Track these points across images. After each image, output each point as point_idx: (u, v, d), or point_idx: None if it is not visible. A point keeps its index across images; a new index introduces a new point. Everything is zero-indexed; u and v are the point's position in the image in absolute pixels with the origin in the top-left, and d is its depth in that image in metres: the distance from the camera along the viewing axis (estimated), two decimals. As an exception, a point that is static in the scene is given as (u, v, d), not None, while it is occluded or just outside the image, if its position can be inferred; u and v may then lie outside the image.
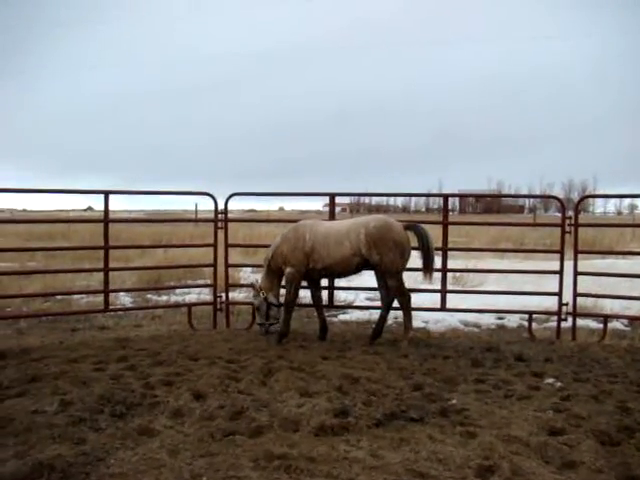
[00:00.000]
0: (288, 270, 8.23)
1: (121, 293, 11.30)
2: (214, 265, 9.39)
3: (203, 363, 6.93)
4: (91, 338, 8.42)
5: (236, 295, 11.84)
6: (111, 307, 9.33)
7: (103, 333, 8.91)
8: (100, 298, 9.66)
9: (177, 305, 10.62)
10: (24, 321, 9.46)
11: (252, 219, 25.26)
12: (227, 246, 9.39)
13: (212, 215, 9.35)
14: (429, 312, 9.63)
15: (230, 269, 9.74)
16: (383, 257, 7.92)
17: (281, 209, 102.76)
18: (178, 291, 12.10)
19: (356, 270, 8.32)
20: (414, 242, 8.23)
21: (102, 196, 8.59)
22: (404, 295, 8.20)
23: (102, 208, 8.70)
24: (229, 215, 9.51)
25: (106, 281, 8.84)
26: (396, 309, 8.44)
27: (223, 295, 9.48)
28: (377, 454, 4.48)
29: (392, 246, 7.94)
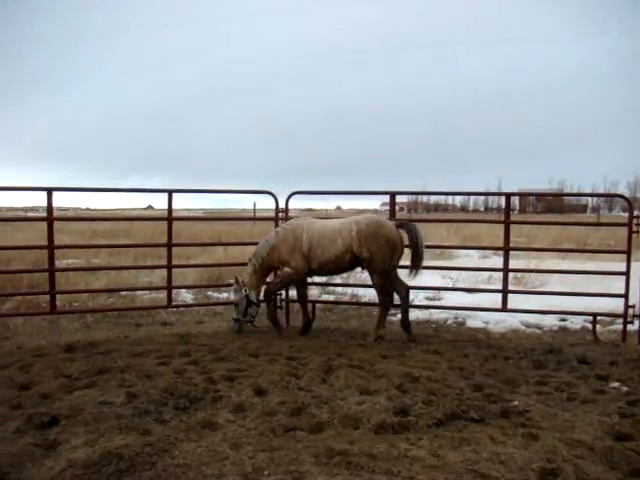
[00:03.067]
0: (287, 270, 8.34)
1: (182, 290, 11.51)
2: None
3: (264, 360, 7.02)
4: (155, 333, 8.61)
5: (295, 293, 11.89)
6: (174, 303, 9.52)
7: (166, 328, 9.10)
8: (163, 294, 9.88)
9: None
10: (90, 316, 9.74)
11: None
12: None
13: (270, 214, 9.43)
14: (490, 312, 9.49)
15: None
16: (373, 254, 8.02)
17: (338, 208, 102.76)
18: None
19: (349, 268, 8.50)
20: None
21: (161, 195, 8.81)
22: (386, 293, 8.37)
23: (161, 207, 8.91)
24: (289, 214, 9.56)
25: (169, 278, 9.03)
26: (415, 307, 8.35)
27: (283, 292, 9.56)
28: (437, 453, 4.46)
29: (383, 244, 8.04)
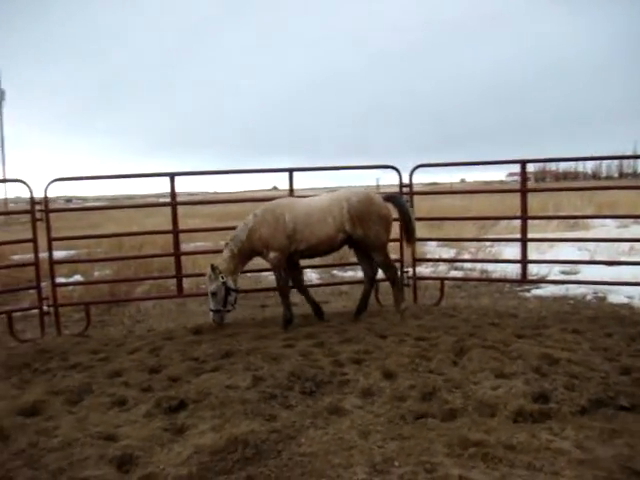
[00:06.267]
0: (272, 255, 7.77)
1: (307, 269, 11.45)
2: (400, 240, 9.17)
3: (392, 340, 6.79)
4: (279, 314, 8.58)
5: (422, 270, 11.58)
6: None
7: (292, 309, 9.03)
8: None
9: (362, 281, 10.53)
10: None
11: (434, 191, 24.57)
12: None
13: (395, 189, 9.12)
14: (634, 287, 8.69)
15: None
16: (367, 232, 7.68)
17: (462, 181, 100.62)
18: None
19: (339, 247, 8.06)
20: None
21: (287, 175, 8.71)
22: (391, 268, 8.04)
23: (287, 187, 8.81)
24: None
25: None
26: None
27: (410, 270, 9.26)
28: (584, 446, 4.04)
29: (376, 219, 7.72)
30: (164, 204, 9.37)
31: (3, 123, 47.95)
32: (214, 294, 7.74)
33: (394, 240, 9.09)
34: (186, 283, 10.19)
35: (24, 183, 8.00)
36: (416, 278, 9.27)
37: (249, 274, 11.27)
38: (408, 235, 8.16)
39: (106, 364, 6.48)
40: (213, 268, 7.76)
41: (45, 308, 8.19)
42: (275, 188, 75.97)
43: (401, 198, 8.17)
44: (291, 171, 8.70)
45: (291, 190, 8.81)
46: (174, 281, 9.08)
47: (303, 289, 8.29)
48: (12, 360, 6.94)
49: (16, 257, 14.61)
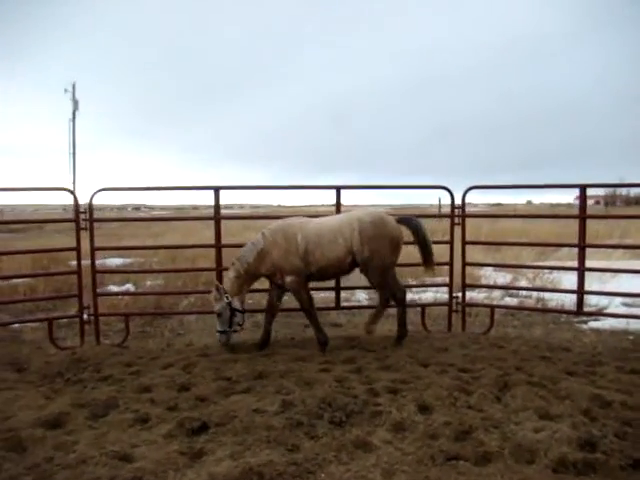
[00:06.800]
0: (289, 280, 7.38)
1: (357, 289, 11.15)
2: (450, 263, 8.81)
3: (433, 370, 6.44)
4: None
5: (475, 295, 11.16)
6: (343, 304, 9.18)
7: (335, 330, 8.79)
8: (333, 294, 9.48)
9: (410, 305, 10.17)
10: (261, 314, 9.58)
11: (491, 214, 23.90)
12: (464, 243, 8.75)
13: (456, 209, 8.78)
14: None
15: (469, 267, 9.08)
16: (374, 254, 7.32)
17: (529, 202, 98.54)
18: (414, 289, 11.66)
19: (348, 271, 7.66)
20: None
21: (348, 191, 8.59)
22: (399, 290, 7.71)
23: (350, 203, 8.62)
24: (469, 210, 8.86)
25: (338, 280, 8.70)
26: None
27: (460, 295, 8.88)
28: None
29: (387, 243, 7.38)
30: (205, 218, 9.39)
31: (76, 132, 49.09)
32: (219, 315, 7.47)
33: (443, 264, 8.76)
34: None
35: (70, 191, 8.05)
36: (465, 304, 8.87)
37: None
38: (425, 259, 7.79)
39: (137, 378, 6.35)
40: (217, 288, 7.49)
41: (85, 317, 8.16)
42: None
43: (416, 220, 7.82)
44: (338, 189, 8.49)
45: (337, 207, 8.56)
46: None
47: (272, 312, 7.81)
48: (47, 368, 6.91)
49: (73, 263, 14.79)
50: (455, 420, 4.91)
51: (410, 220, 7.81)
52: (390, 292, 7.67)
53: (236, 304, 7.51)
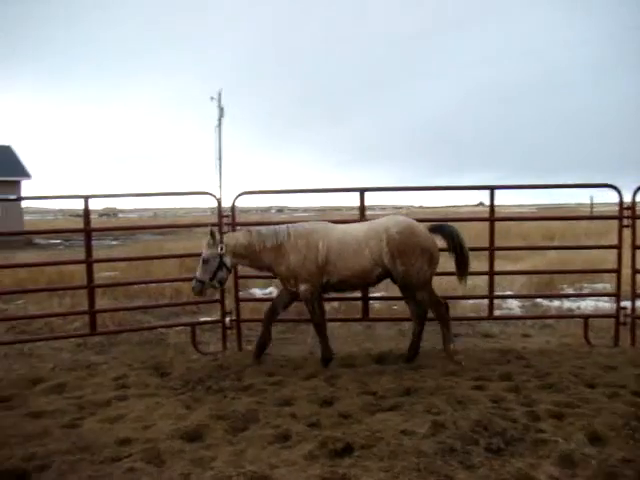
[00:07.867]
0: (303, 288, 6.87)
1: (510, 299, 10.45)
2: (617, 270, 7.92)
3: (602, 392, 5.72)
4: (473, 347, 7.77)
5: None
6: (496, 314, 8.53)
7: (487, 342, 8.19)
8: (487, 302, 8.88)
9: (570, 316, 9.35)
10: (407, 323, 9.16)
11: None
12: (634, 247, 7.81)
13: (612, 209, 7.91)
14: None
15: (639, 275, 8.06)
16: (409, 268, 6.75)
17: None
18: (572, 297, 10.74)
19: (376, 282, 7.17)
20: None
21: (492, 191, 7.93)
22: (440, 305, 7.12)
23: (493, 203, 7.99)
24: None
25: (491, 286, 8.09)
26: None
27: (628, 305, 7.95)
28: None
29: (419, 254, 6.77)
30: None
31: (222, 138, 50.87)
32: (205, 262, 6.90)
33: (608, 271, 7.91)
34: (376, 305, 9.73)
35: (212, 195, 8.04)
36: (635, 316, 7.90)
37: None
38: (459, 269, 7.13)
39: (278, 389, 6.14)
40: (212, 234, 6.90)
41: (227, 322, 8.10)
42: (482, 204, 74.24)
43: (449, 227, 7.11)
44: (492, 189, 7.86)
45: (492, 210, 7.93)
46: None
47: (269, 321, 7.37)
48: (189, 374, 6.86)
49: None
50: (637, 457, 4.24)
51: (443, 227, 7.16)
52: (425, 306, 7.10)
53: (227, 260, 6.97)
